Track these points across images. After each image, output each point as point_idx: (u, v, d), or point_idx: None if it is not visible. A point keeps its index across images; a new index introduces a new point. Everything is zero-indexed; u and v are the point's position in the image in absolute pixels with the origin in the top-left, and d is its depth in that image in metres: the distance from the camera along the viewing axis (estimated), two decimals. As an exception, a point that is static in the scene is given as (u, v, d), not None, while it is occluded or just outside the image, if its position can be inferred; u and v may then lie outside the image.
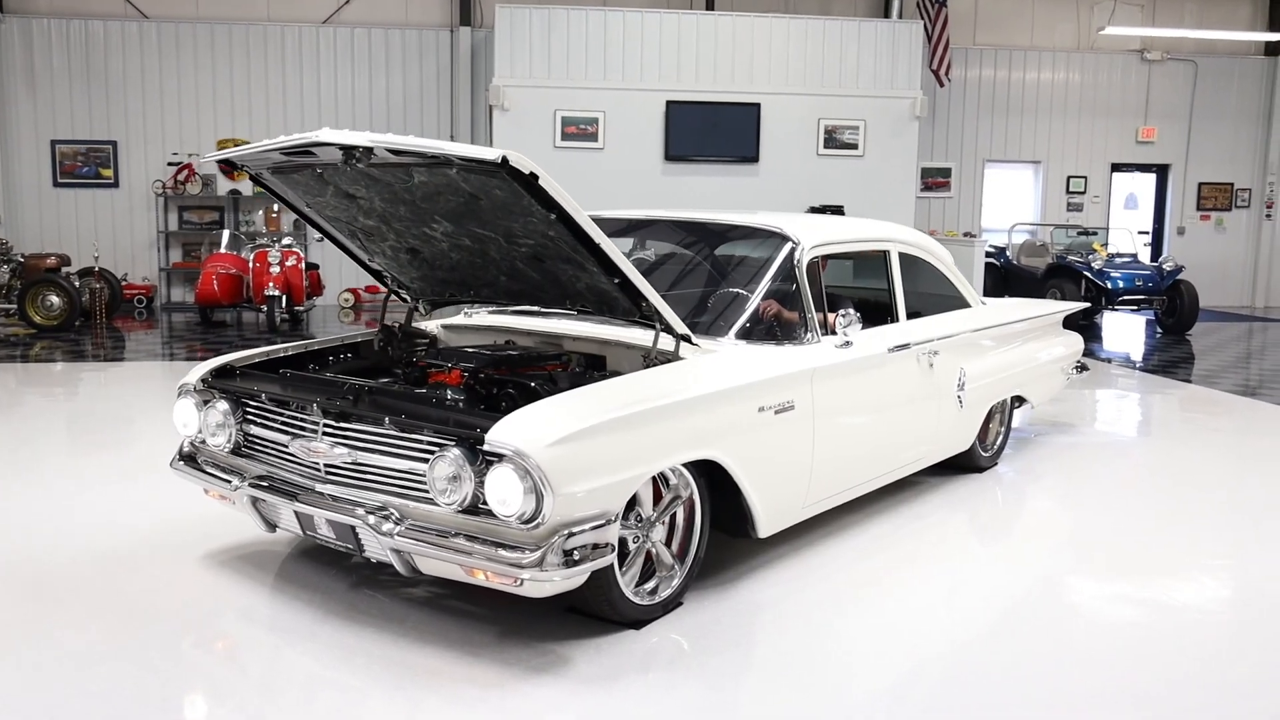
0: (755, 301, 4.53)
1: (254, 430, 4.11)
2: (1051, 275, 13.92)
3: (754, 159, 14.33)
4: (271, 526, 4.10)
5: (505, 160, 3.33)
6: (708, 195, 13.97)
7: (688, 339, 4.13)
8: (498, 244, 4.06)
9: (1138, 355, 12.12)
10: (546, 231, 3.78)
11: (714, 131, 14.18)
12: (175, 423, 4.31)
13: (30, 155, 14.99)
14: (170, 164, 15.02)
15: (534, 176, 3.42)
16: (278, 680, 3.49)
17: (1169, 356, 11.88)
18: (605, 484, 3.44)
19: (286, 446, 3.93)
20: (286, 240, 13.07)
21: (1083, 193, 17.47)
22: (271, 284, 12.25)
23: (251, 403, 4.12)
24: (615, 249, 3.75)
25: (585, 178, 13.75)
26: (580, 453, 3.38)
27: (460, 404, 3.72)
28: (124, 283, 14.49)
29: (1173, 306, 13.58)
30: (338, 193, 4.13)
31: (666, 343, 4.11)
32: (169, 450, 4.60)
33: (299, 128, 15.22)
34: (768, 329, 4.53)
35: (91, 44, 14.92)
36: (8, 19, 14.77)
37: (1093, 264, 13.59)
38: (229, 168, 4.20)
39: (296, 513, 3.84)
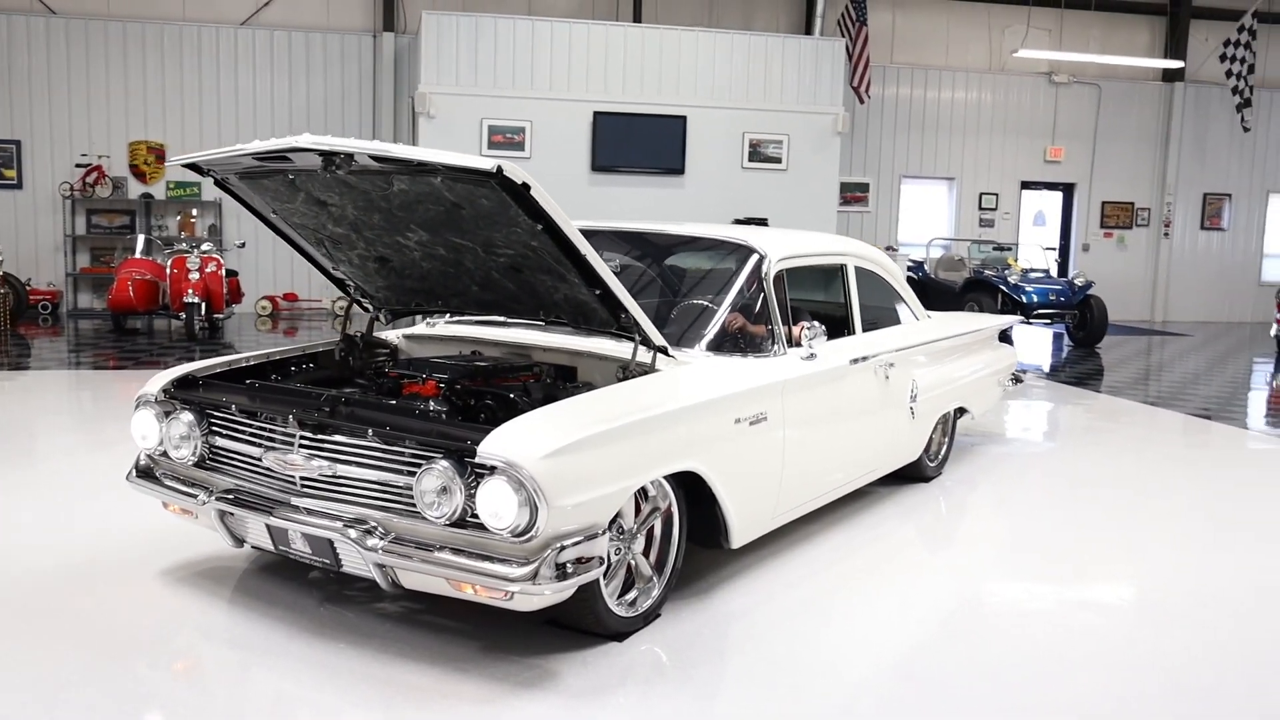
0: (724, 314, 4.56)
1: (221, 442, 3.99)
2: (969, 289, 14.29)
3: (680, 171, 14.42)
4: (239, 542, 3.98)
5: (500, 170, 3.31)
6: (635, 206, 14.01)
7: (664, 351, 4.14)
8: (474, 254, 4.01)
9: (1052, 367, 12.51)
10: (529, 242, 3.76)
11: (640, 143, 14.24)
12: (134, 435, 4.15)
13: (-73, 153, 14.36)
14: (79, 165, 14.50)
15: (526, 187, 3.40)
16: (246, 701, 3.37)
17: (1082, 369, 12.28)
18: (596, 496, 3.43)
19: (259, 459, 3.82)
20: (206, 246, 12.72)
21: (994, 209, 17.98)
22: (191, 290, 11.90)
23: (217, 414, 4.00)
24: (599, 260, 3.75)
25: (512, 187, 13.65)
26: (573, 465, 3.36)
27: (443, 415, 3.67)
28: (29, 288, 13.94)
29: (1084, 320, 14.04)
30: (308, 199, 4.04)
31: (645, 355, 4.11)
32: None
33: (215, 131, 14.85)
34: (737, 341, 4.57)
35: (-5, 39, 14.36)
36: (-96, 11, 14.13)
37: (1009, 278, 14.00)
38: (196, 171, 4.02)
39: (269, 527, 3.73)
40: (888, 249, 15.97)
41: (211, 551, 4.58)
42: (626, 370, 4.07)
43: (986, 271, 14.38)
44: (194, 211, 14.52)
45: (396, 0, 15.30)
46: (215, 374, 4.32)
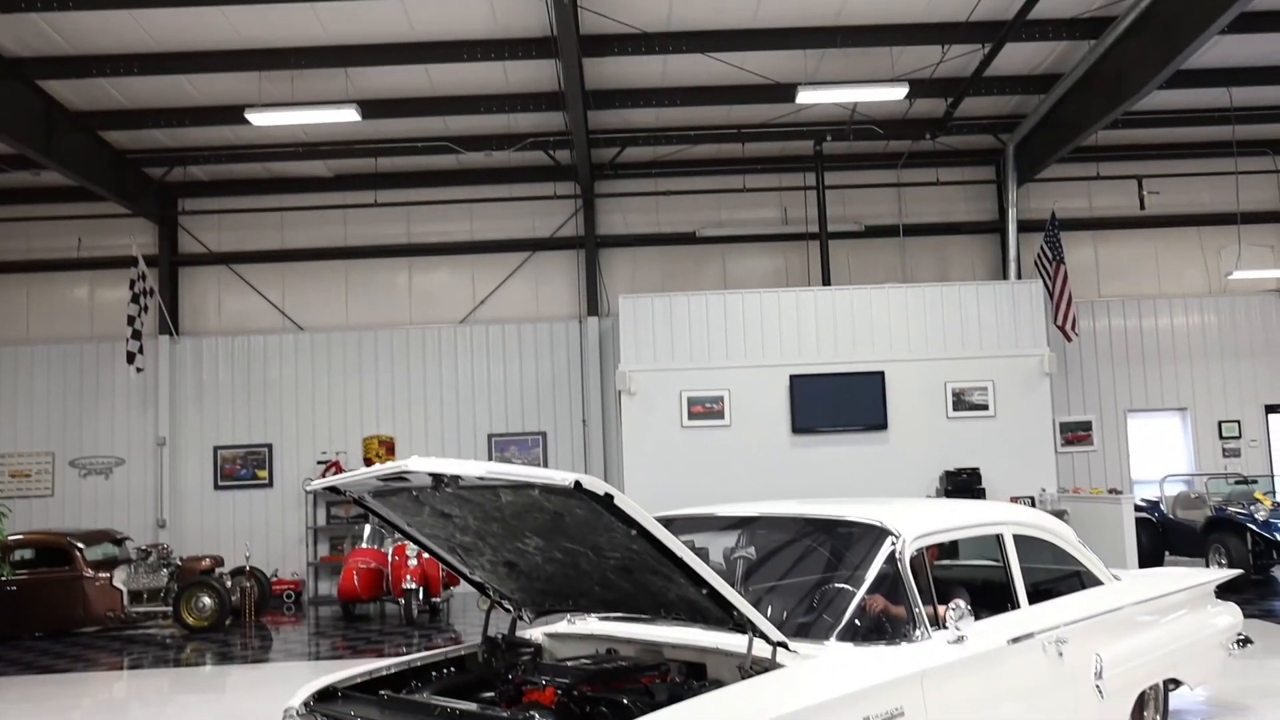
0: (856, 601, 4.38)
1: (353, 757, 4.09)
2: (1212, 529, 13.13)
3: (882, 426, 14.27)
4: None
5: (579, 484, 3.41)
6: (836, 465, 13.88)
7: (784, 645, 4.00)
8: (587, 557, 4.09)
9: (1321, 614, 11.14)
10: (630, 546, 3.80)
11: (840, 402, 14.25)
12: (280, 750, 4.32)
13: (194, 461, 16.07)
14: (319, 462, 15.84)
15: (609, 497, 3.48)
16: None
17: (1357, 614, 10.87)
18: (694, 818, 3.27)
19: (382, 776, 3.89)
20: (424, 532, 13.40)
21: (1238, 437, 16.68)
22: (409, 577, 12.50)
23: (350, 728, 4.12)
24: (698, 561, 3.73)
25: (713, 455, 13.89)
26: (668, 782, 3.24)
27: (548, 729, 3.65)
28: (274, 579, 15.01)
29: (1355, 556, 12.56)
30: (434, 512, 4.26)
31: (762, 649, 3.98)
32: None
33: (439, 420, 15.98)
34: (873, 626, 4.36)
35: (253, 356, 16.23)
36: (182, 339, 16.23)
37: (1256, 514, 12.79)
38: (336, 493, 4.42)
39: None
40: (1112, 491, 14.97)
41: None
42: (744, 669, 3.95)
43: (1230, 509, 13.20)
44: (419, 498, 15.42)
45: (599, 286, 16.35)
46: (355, 684, 4.47)
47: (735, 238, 16.61)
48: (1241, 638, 6.61)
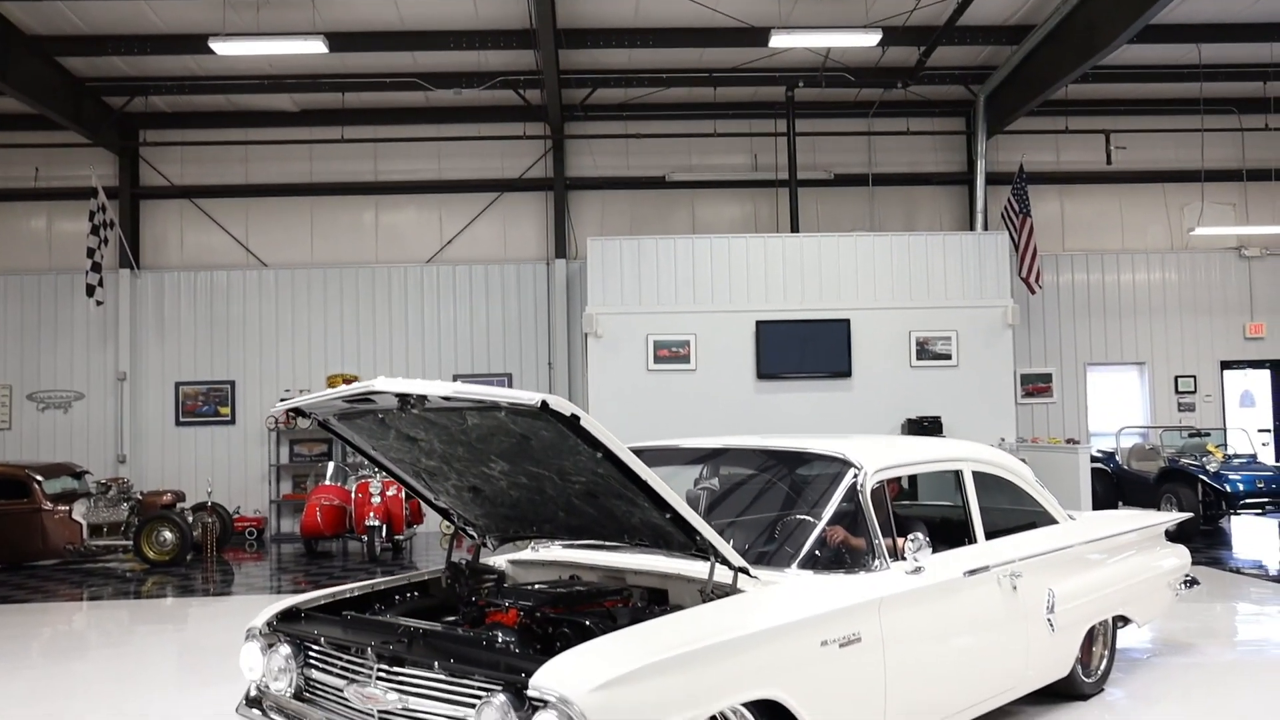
0: (818, 530, 4.45)
1: (315, 674, 4.12)
2: (1165, 480, 13.38)
3: (846, 374, 14.36)
4: (329, 775, 4.04)
5: (545, 404, 3.42)
6: (800, 412, 13.98)
7: (745, 571, 4.06)
8: (553, 481, 4.11)
9: (1270, 562, 11.41)
10: (595, 469, 3.83)
11: (805, 348, 14.32)
12: (242, 667, 4.35)
13: (156, 397, 15.92)
14: (282, 399, 15.70)
15: (575, 418, 3.50)
16: None
17: (1301, 563, 11.16)
18: (655, 729, 3.33)
19: (342, 691, 3.92)
20: (388, 470, 13.39)
21: (1193, 392, 16.96)
22: (372, 514, 12.51)
23: (313, 646, 4.15)
24: (663, 484, 3.76)
25: (678, 399, 13.94)
26: (628, 696, 3.30)
27: (512, 645, 3.69)
28: (236, 516, 14.97)
29: (1301, 509, 12.85)
30: (399, 436, 4.27)
31: (724, 575, 4.04)
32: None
33: (404, 360, 15.90)
34: (833, 557, 4.43)
35: (216, 292, 16.03)
36: (143, 273, 16.01)
37: (1208, 466, 13.04)
38: (298, 415, 4.40)
39: (350, 762, 3.79)
40: (1069, 441, 15.21)
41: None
42: (705, 593, 4.01)
43: (1183, 460, 13.45)
44: (383, 437, 15.37)
45: (567, 228, 16.26)
46: (320, 606, 4.50)
47: (705, 183, 16.56)
48: (1189, 579, 6.78)
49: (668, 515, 3.90)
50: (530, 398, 3.44)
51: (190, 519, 13.17)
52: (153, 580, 11.79)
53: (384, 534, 12.69)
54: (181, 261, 16.24)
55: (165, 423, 15.93)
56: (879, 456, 4.76)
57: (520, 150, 16.39)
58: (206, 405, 15.92)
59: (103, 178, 15.37)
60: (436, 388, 3.65)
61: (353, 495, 12.99)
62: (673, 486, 3.84)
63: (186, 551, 12.73)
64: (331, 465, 13.98)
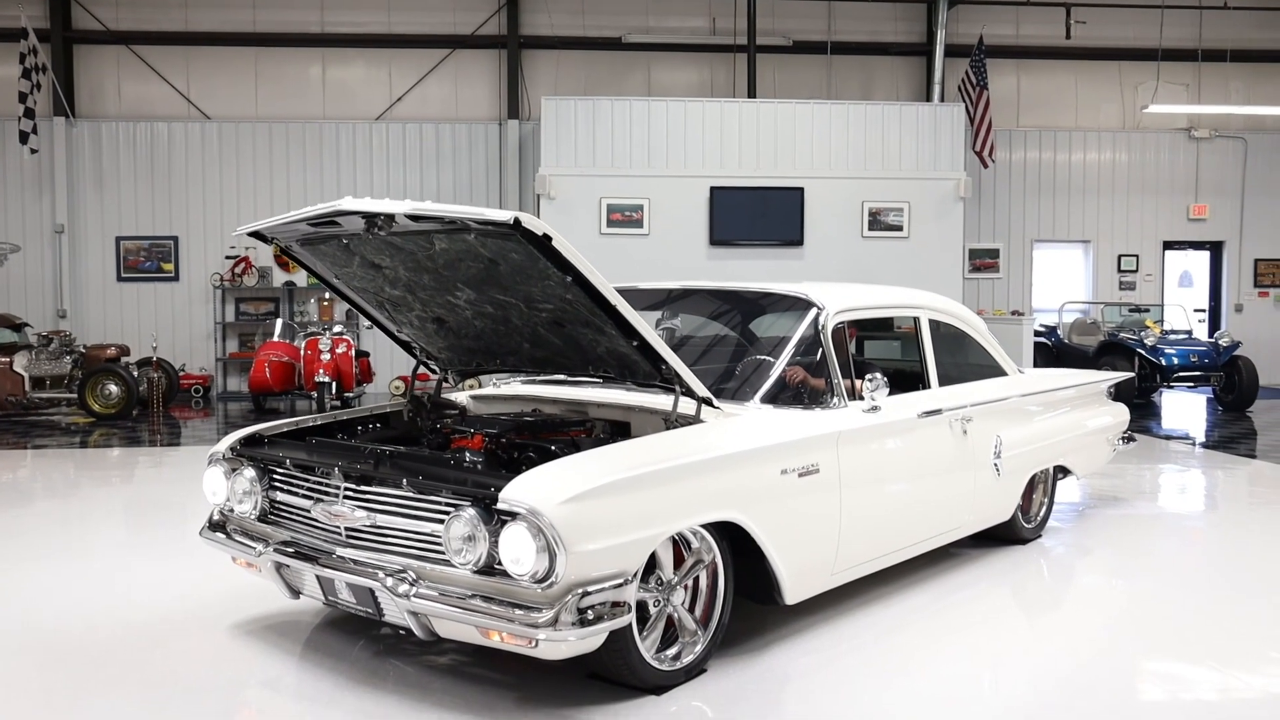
0: (780, 367, 4.52)
1: (280, 497, 4.15)
2: (1103, 353, 13.71)
3: (798, 242, 14.40)
4: (295, 593, 4.11)
5: (518, 222, 3.39)
6: (752, 279, 14.01)
7: (709, 402, 4.12)
8: (519, 310, 4.10)
9: (1196, 432, 11.84)
10: (564, 295, 3.83)
11: (758, 216, 14.30)
12: (205, 491, 4.36)
13: (96, 251, 15.53)
14: (228, 257, 15.46)
15: (546, 238, 3.48)
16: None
17: (1229, 432, 11.58)
18: (620, 543, 3.42)
19: (309, 511, 3.96)
20: (337, 328, 13.31)
21: (1135, 271, 17.27)
22: (321, 370, 12.45)
23: (278, 469, 4.17)
24: (631, 310, 3.78)
25: (631, 264, 13.89)
26: (594, 511, 3.37)
27: (478, 465, 3.73)
28: (182, 373, 14.81)
29: (1231, 383, 13.27)
30: (364, 263, 4.22)
31: (688, 406, 4.10)
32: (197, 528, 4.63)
33: (352, 220, 15.60)
34: (794, 395, 4.51)
35: (156, 144, 15.53)
36: (79, 122, 15.44)
37: (1145, 341, 13.37)
38: (280, 254, 4.33)
39: (318, 577, 3.85)
40: (1014, 313, 15.49)
41: (283, 606, 4.72)
42: (669, 421, 4.07)
43: (1122, 334, 13.78)
44: (327, 295, 15.21)
45: (521, 88, 15.91)
46: (282, 433, 4.50)
47: (662, 45, 16.22)
48: (1126, 435, 7.02)
49: (634, 344, 3.92)
50: (502, 215, 3.40)
51: (135, 374, 13.02)
52: (99, 433, 11.70)
53: (334, 391, 12.65)
54: (120, 112, 15.67)
55: (106, 278, 15.59)
56: (840, 298, 4.82)
57: (473, 5, 15.89)
58: (149, 261, 15.58)
59: (33, 19, 14.66)
60: (404, 206, 3.60)
61: (302, 352, 12.90)
62: (635, 326, 3.85)
63: (133, 406, 12.62)
64: (280, 322, 13.83)
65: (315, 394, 12.54)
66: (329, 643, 4.35)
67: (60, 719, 3.65)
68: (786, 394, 4.49)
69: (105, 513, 7.64)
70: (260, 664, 4.17)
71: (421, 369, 5.00)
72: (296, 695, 3.89)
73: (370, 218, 3.72)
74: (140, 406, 13.00)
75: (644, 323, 3.83)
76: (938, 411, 5.07)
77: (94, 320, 15.52)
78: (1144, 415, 12.86)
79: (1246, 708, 3.80)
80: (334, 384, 12.61)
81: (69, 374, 12.83)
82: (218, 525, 4.40)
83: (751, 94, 15.32)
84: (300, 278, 15.45)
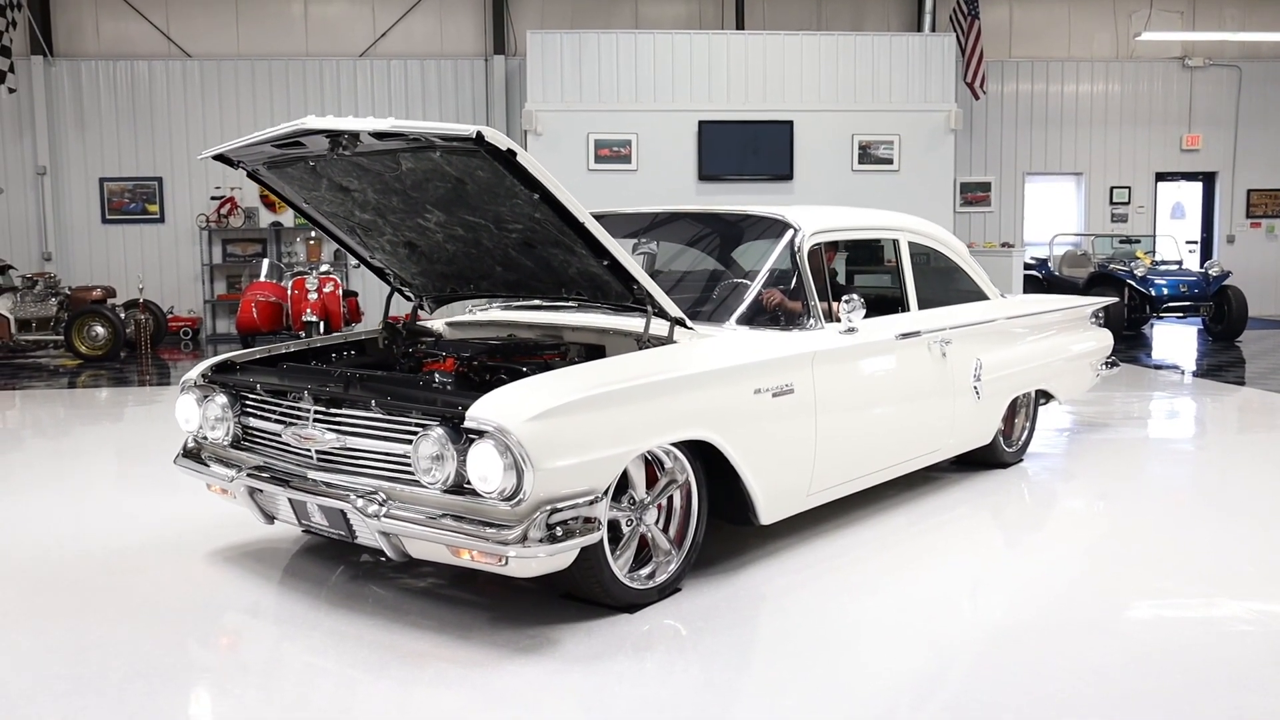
0: (756, 288, 4.48)
1: (252, 422, 4.14)
2: (1094, 284, 13.67)
3: (788, 176, 14.29)
4: (270, 518, 4.11)
5: (480, 136, 3.34)
6: (741, 213, 13.92)
7: (682, 323, 4.09)
8: (489, 231, 4.06)
9: (1185, 360, 11.84)
10: (533, 214, 3.78)
11: (748, 150, 14.17)
12: (178, 418, 4.35)
13: (80, 193, 15.39)
14: (213, 198, 15.33)
15: (511, 153, 3.42)
16: (276, 671, 3.46)
17: (1218, 361, 11.58)
18: (588, 460, 3.41)
19: (280, 436, 3.95)
20: (324, 268, 13.24)
21: (1127, 203, 17.18)
22: (309, 310, 12.39)
23: (249, 395, 4.15)
24: (600, 227, 3.74)
25: (619, 199, 13.78)
26: (561, 428, 3.35)
27: (447, 386, 3.71)
28: (170, 315, 14.75)
29: (1220, 313, 13.25)
30: (332, 186, 4.16)
31: (660, 327, 4.07)
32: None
33: (338, 159, 15.44)
34: (770, 316, 4.48)
35: (137, 84, 15.32)
36: (58, 61, 15.21)
37: (1136, 271, 13.33)
38: (227, 163, 4.24)
39: (291, 501, 3.84)
40: (1004, 245, 15.42)
41: (261, 534, 4.73)
42: (641, 342, 4.04)
43: (1113, 265, 13.73)
44: (313, 234, 15.11)
45: (506, 23, 15.67)
46: (254, 360, 4.48)
47: (649, -23, 15.98)
48: (1110, 360, 7.01)
49: (605, 264, 3.89)
50: (465, 130, 3.35)
51: (123, 316, 12.96)
52: (87, 374, 11.67)
53: (321, 330, 12.60)
54: (99, 50, 15.43)
55: (91, 220, 15.46)
56: (817, 219, 4.77)
57: (456, -63, 15.61)
58: (134, 203, 15.44)
59: (8, -45, 14.40)
60: (367, 124, 3.54)
61: (289, 292, 12.83)
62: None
63: (120, 347, 12.58)
64: (266, 263, 13.73)
65: (303, 334, 12.49)
66: (307, 568, 4.37)
67: (42, 641, 3.66)
68: (763, 316, 4.46)
69: (90, 449, 7.65)
70: (240, 589, 4.18)
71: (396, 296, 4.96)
72: (275, 619, 3.91)
73: (334, 136, 3.67)
74: (128, 348, 12.96)
75: (614, 241, 3.79)
76: (916, 334, 5.05)
77: (80, 263, 15.42)
78: (1133, 346, 12.86)
79: (1231, 626, 3.80)
80: (321, 323, 12.55)
81: (54, 316, 12.77)
82: (192, 453, 4.39)
83: (740, 26, 15.11)
84: (287, 218, 15.32)
